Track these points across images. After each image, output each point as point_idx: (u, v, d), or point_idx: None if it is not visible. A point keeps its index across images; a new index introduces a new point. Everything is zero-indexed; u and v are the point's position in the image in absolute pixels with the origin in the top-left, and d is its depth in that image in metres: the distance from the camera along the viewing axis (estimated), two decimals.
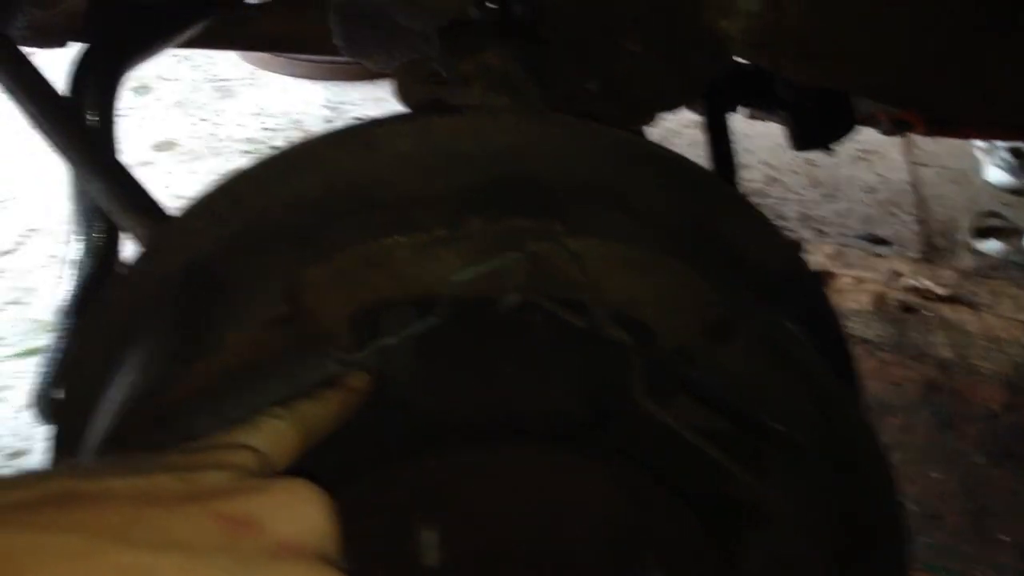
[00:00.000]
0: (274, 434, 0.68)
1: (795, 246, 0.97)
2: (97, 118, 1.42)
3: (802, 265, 0.97)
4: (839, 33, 0.99)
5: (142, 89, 4.08)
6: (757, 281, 0.91)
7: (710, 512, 0.85)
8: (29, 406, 1.39)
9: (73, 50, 1.47)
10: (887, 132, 1.91)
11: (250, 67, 4.18)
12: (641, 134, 0.98)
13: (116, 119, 1.46)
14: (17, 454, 2.36)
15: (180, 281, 0.83)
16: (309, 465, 0.72)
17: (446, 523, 0.77)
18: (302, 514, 0.56)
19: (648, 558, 0.79)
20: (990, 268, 3.29)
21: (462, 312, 0.77)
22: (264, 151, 3.65)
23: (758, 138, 3.94)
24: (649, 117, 1.02)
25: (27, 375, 2.39)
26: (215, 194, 0.84)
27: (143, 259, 0.86)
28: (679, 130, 3.68)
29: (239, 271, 0.81)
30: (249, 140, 3.77)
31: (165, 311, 0.81)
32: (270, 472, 0.62)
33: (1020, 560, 2.23)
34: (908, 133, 1.93)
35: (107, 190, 1.21)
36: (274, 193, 0.84)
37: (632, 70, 0.96)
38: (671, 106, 1.02)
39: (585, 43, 0.93)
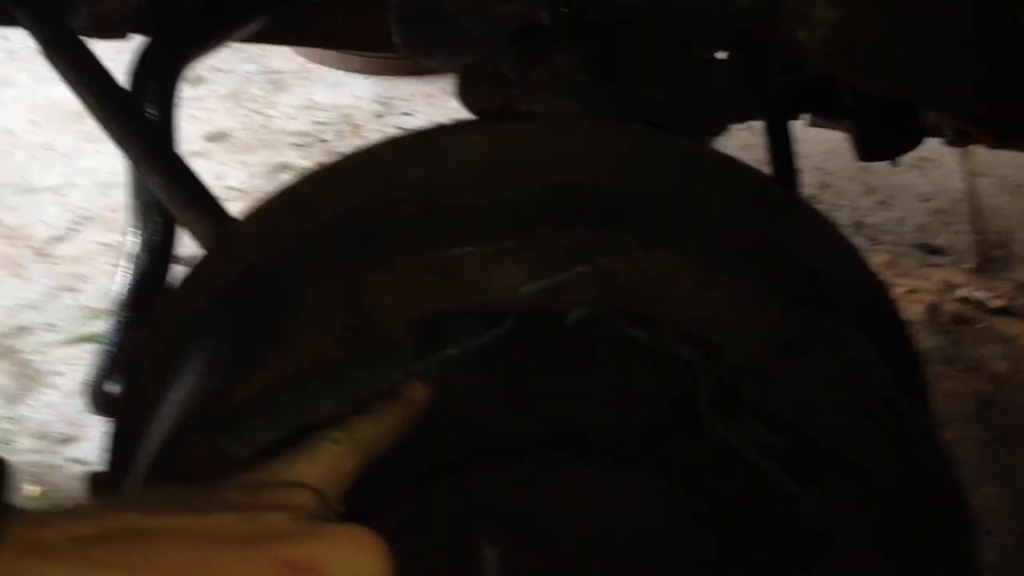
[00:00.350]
0: (333, 461, 0.68)
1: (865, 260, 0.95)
2: (156, 112, 1.42)
3: (873, 278, 0.95)
4: (915, 45, 0.97)
5: (195, 80, 4.11)
6: (826, 297, 0.89)
7: (772, 537, 0.83)
8: (81, 394, 1.40)
9: (134, 43, 1.48)
10: (952, 143, 1.87)
11: (302, 60, 4.19)
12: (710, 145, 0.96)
13: (175, 113, 1.46)
14: (66, 440, 2.38)
15: (242, 285, 0.83)
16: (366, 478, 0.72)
17: (504, 539, 0.76)
18: (362, 562, 0.57)
19: None
20: None
21: (527, 325, 0.76)
22: (314, 144, 3.67)
23: (811, 143, 3.89)
24: (721, 128, 1.00)
25: (77, 362, 2.41)
26: (279, 197, 0.83)
27: (205, 261, 0.85)
28: (730, 132, 3.65)
29: (302, 276, 0.81)
30: (300, 133, 3.78)
31: (226, 315, 0.81)
32: (329, 511, 0.62)
33: None
34: (973, 144, 1.89)
35: (166, 184, 1.22)
36: (339, 198, 0.83)
37: (704, 80, 0.95)
38: (744, 117, 1.00)
39: (658, 52, 0.92)
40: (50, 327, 2.72)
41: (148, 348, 0.87)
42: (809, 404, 0.81)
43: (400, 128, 3.61)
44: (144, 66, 1.41)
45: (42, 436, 2.39)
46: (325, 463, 0.68)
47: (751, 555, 0.79)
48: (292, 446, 0.69)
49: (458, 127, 0.85)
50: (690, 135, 0.91)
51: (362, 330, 0.75)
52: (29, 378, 2.55)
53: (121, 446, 0.88)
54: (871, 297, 0.94)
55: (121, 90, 1.36)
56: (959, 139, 1.84)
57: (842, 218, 3.54)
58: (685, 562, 0.78)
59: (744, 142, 0.89)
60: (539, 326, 0.77)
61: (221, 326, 0.80)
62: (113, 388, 1.24)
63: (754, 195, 0.88)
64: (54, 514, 0.55)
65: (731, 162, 0.88)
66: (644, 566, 0.78)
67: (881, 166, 3.85)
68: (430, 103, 3.78)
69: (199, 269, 0.85)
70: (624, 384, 0.79)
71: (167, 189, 1.22)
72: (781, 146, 1.62)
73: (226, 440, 0.74)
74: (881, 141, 1.52)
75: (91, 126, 1.31)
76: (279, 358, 0.73)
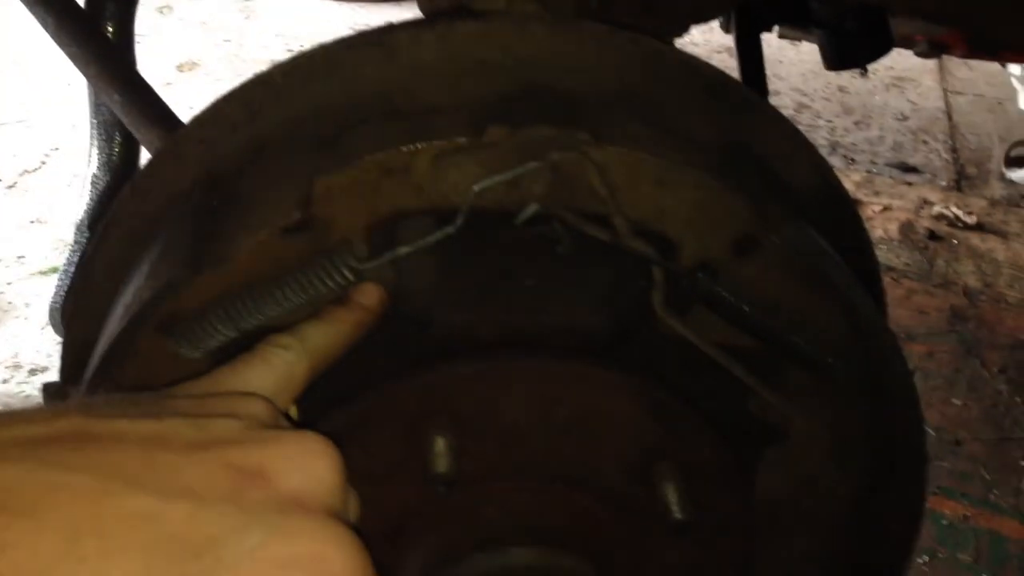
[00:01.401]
0: (283, 368, 0.68)
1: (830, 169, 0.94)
2: (114, 30, 1.40)
3: (837, 188, 0.94)
4: None
5: (165, 9, 4.05)
6: (789, 199, 0.89)
7: (730, 429, 0.84)
8: (48, 321, 1.39)
9: None
10: (924, 54, 1.86)
11: None
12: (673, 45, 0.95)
13: (134, 32, 1.44)
14: (37, 371, 2.38)
15: (194, 190, 0.82)
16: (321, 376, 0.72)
17: (461, 433, 0.76)
18: (311, 467, 0.56)
19: (664, 470, 0.78)
20: (1021, 197, 3.24)
21: (482, 223, 0.76)
22: None
23: (789, 64, 3.87)
24: (683, 28, 0.98)
25: (48, 294, 2.41)
26: (231, 101, 0.82)
27: (156, 167, 0.84)
28: (708, 56, 3.62)
29: (254, 179, 0.80)
30: (273, 62, 3.73)
31: (178, 220, 0.80)
32: (280, 418, 0.62)
33: None
34: (945, 56, 1.88)
35: (125, 103, 1.20)
36: (291, 100, 0.82)
37: None
38: (707, 17, 0.98)
39: None
40: (21, 259, 2.71)
41: (99, 259, 0.86)
42: (768, 301, 0.81)
43: None
44: None
45: (14, 366, 2.39)
46: (276, 370, 0.67)
47: (705, 444, 0.79)
48: (244, 352, 0.69)
49: (411, 25, 0.83)
50: (652, 34, 0.90)
51: (315, 231, 0.74)
52: (0, 310, 2.55)
53: (73, 355, 0.88)
54: (831, 200, 0.93)
55: (78, 8, 1.33)
56: (930, 50, 1.83)
57: (819, 138, 3.53)
58: (641, 450, 0.79)
59: (721, 66, 0.87)
60: (492, 224, 0.76)
61: (173, 232, 0.79)
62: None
63: (716, 94, 0.87)
64: (1, 417, 0.54)
65: (693, 61, 0.87)
66: (600, 460, 0.78)
67: (859, 86, 3.85)
68: None
69: (149, 175, 0.84)
70: (579, 281, 0.79)
71: (126, 107, 1.20)
72: (751, 58, 1.60)
73: (177, 343, 0.74)
74: (850, 49, 1.51)
75: (62, 56, 1.29)
76: (230, 262, 0.73)
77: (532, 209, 0.74)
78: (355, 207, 0.74)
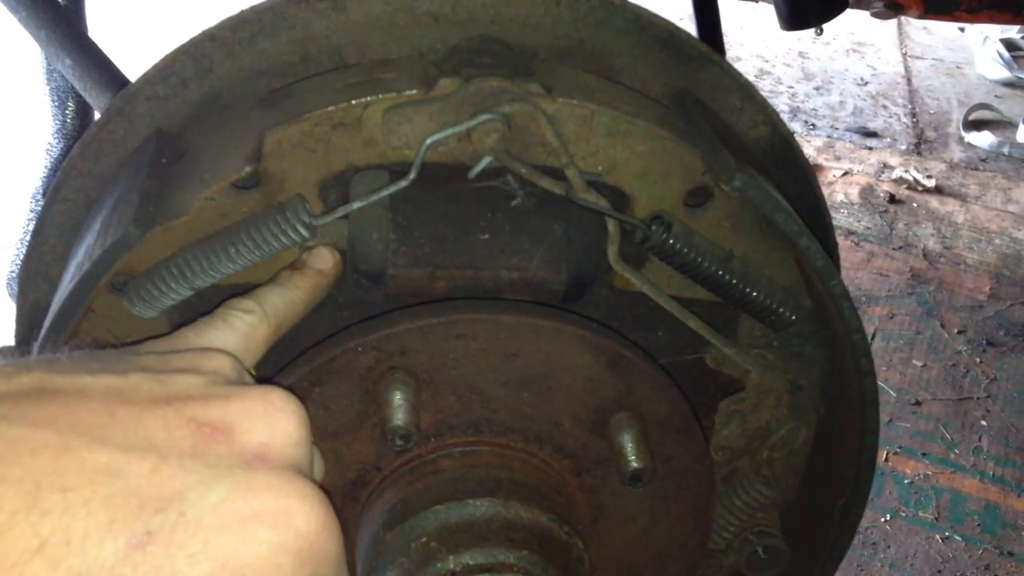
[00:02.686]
0: (246, 330, 0.68)
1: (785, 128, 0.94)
2: None
3: (788, 139, 0.94)
4: None
5: None
6: (740, 150, 0.89)
7: (687, 380, 0.84)
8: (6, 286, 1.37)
9: None
10: (880, 15, 1.87)
11: None
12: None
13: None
14: None
15: (144, 147, 0.81)
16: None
17: (418, 387, 0.76)
18: (274, 422, 0.56)
19: (622, 422, 0.79)
20: (980, 160, 3.27)
21: (435, 176, 0.75)
22: None
23: (750, 28, 3.88)
24: None
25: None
26: (180, 57, 0.81)
27: (105, 126, 0.83)
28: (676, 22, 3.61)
29: (204, 136, 0.79)
30: None
31: (129, 178, 0.79)
32: (245, 374, 0.61)
33: (997, 445, 2.26)
34: (901, 15, 1.89)
35: (76, 67, 1.18)
36: (241, 56, 0.81)
37: None
38: None
39: None
40: None
41: (49, 219, 0.85)
42: (721, 251, 0.81)
43: None
44: None
45: None
46: (237, 332, 0.67)
47: (662, 396, 0.79)
48: (204, 316, 0.68)
49: None
50: None
51: (266, 187, 0.73)
52: None
53: (27, 317, 0.87)
54: (782, 151, 0.94)
55: None
56: (887, 11, 1.84)
57: (780, 104, 3.55)
58: (598, 403, 0.79)
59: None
60: (445, 177, 0.76)
61: (124, 189, 0.78)
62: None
63: (669, 48, 0.87)
64: None
65: (645, 15, 0.87)
66: (558, 407, 0.79)
67: (820, 52, 3.86)
68: None
69: (99, 134, 0.83)
70: (534, 235, 0.79)
71: (77, 72, 1.18)
72: (708, 17, 1.60)
73: (132, 302, 0.73)
74: (804, 9, 1.51)
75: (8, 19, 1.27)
76: (179, 215, 0.72)
77: (485, 162, 0.74)
78: (307, 161, 0.74)
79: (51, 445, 0.48)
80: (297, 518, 0.52)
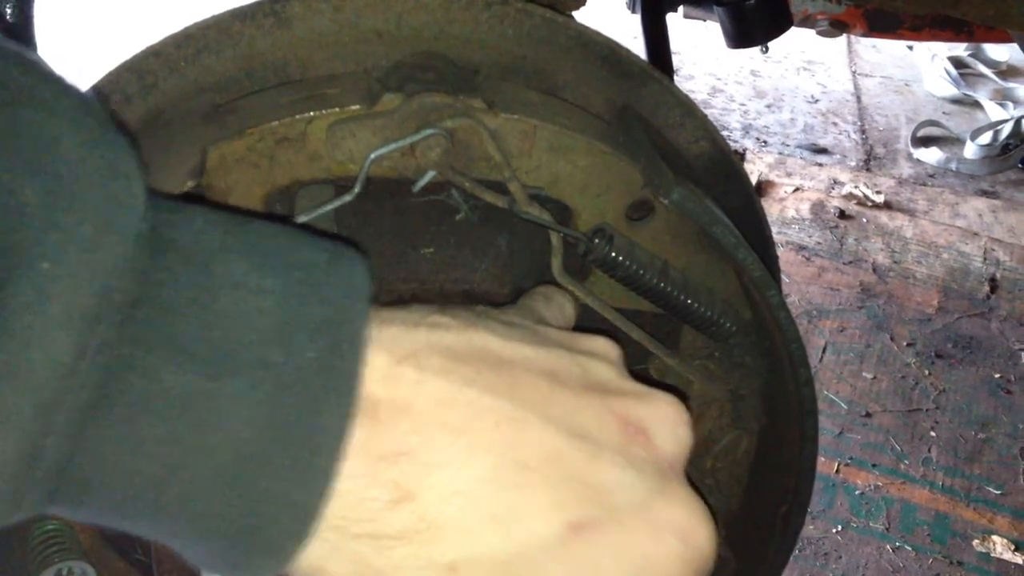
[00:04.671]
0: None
1: (726, 146, 0.96)
2: (12, 13, 1.37)
3: (727, 154, 0.96)
4: None
5: None
6: (684, 169, 0.90)
7: None
8: None
9: None
10: (825, 33, 1.90)
11: None
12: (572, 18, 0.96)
13: (34, 15, 1.41)
14: None
15: None
16: None
17: None
18: (680, 433, 0.56)
19: None
20: (928, 176, 3.33)
21: (379, 191, 0.76)
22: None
23: (703, 48, 3.92)
24: (580, 2, 0.99)
25: None
26: (124, 73, 0.81)
27: None
28: (628, 40, 3.64)
29: (150, 151, 0.79)
30: None
31: None
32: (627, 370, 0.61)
33: (946, 455, 2.29)
34: (846, 33, 1.93)
35: None
36: (185, 71, 0.81)
37: None
38: None
39: None
40: None
41: None
42: (662, 264, 0.82)
43: None
44: None
45: None
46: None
47: None
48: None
49: None
50: (550, 5, 0.91)
51: (211, 201, 0.74)
52: None
53: None
54: (721, 165, 0.95)
55: None
56: (832, 29, 1.87)
57: (732, 121, 3.59)
58: None
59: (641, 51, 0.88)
60: (389, 192, 0.77)
61: None
62: None
63: (611, 64, 0.89)
64: (406, 315, 0.51)
65: (587, 32, 0.88)
66: None
67: (771, 70, 3.91)
68: None
69: None
70: (478, 248, 0.80)
71: None
72: (656, 38, 1.63)
73: None
74: (749, 27, 1.54)
75: None
76: None
77: (429, 176, 0.75)
78: (251, 176, 0.75)
79: (511, 418, 0.49)
80: (702, 537, 0.52)
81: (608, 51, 0.89)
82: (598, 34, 0.89)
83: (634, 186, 0.80)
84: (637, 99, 0.91)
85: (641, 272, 0.81)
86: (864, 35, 1.84)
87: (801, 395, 0.83)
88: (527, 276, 0.81)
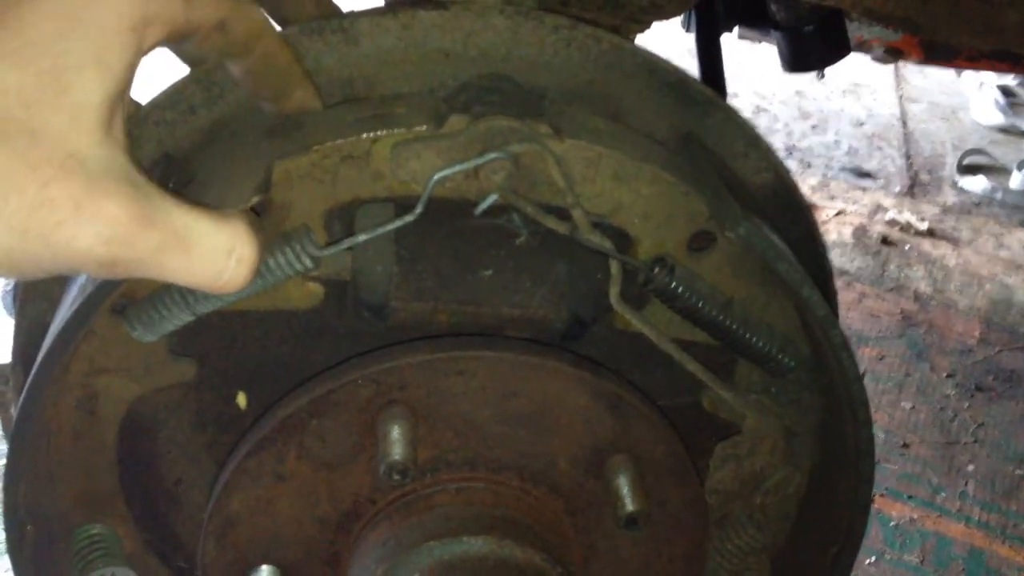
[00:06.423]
0: None
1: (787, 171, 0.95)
2: None
3: (791, 187, 0.95)
4: None
5: None
6: (744, 196, 0.89)
7: (683, 423, 0.85)
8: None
9: None
10: (880, 59, 1.89)
11: None
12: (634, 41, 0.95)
13: None
14: None
15: (151, 171, 0.81)
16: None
17: (416, 422, 0.76)
18: None
19: (618, 463, 0.79)
20: (973, 205, 3.29)
21: (441, 212, 0.76)
22: None
23: (748, 66, 3.90)
24: (645, 24, 0.99)
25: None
26: (190, 84, 0.81)
27: None
28: (677, 57, 3.62)
29: (213, 162, 0.79)
30: None
31: None
32: None
33: (983, 490, 2.26)
34: (901, 61, 1.91)
35: None
36: None
37: None
38: (667, 14, 0.98)
39: None
40: None
41: None
42: (722, 297, 0.82)
43: None
44: None
45: None
46: None
47: (659, 438, 0.80)
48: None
49: (373, 13, 0.83)
50: (614, 30, 0.90)
51: (272, 215, 0.74)
52: None
53: (24, 335, 0.86)
54: (785, 198, 0.94)
55: None
56: (887, 56, 1.85)
57: (776, 142, 3.57)
58: (595, 443, 0.79)
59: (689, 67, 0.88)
60: (451, 213, 0.76)
61: None
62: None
63: (676, 92, 0.88)
64: None
65: (653, 59, 0.88)
66: (555, 447, 0.79)
67: (816, 91, 3.89)
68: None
69: None
70: (537, 273, 0.79)
71: None
72: (711, 59, 1.62)
73: (132, 326, 0.73)
74: (806, 52, 1.52)
75: None
76: None
77: (491, 199, 0.74)
78: (314, 192, 0.74)
79: None
80: None
81: (674, 78, 0.88)
82: (664, 60, 0.89)
83: (698, 217, 0.79)
84: (702, 127, 0.90)
85: (700, 304, 0.80)
86: (920, 63, 1.82)
87: (859, 436, 0.81)
88: (585, 302, 0.81)
